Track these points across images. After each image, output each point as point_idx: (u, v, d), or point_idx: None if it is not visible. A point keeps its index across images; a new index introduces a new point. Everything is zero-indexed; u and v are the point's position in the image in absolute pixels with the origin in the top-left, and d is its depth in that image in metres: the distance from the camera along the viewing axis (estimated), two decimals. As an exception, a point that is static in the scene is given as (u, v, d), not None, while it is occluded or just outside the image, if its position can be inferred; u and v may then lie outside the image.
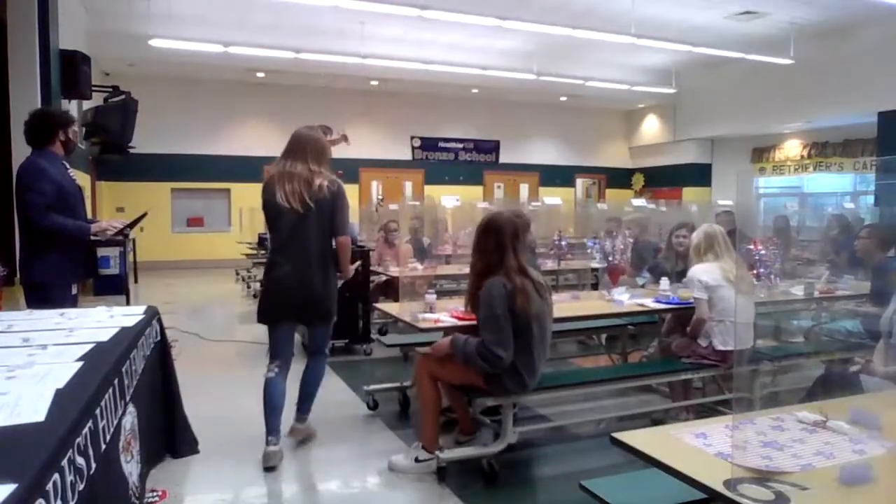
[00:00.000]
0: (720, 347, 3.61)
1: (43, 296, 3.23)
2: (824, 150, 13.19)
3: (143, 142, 8.62)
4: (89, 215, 4.26)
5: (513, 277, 2.97)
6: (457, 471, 3.16)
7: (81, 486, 1.29)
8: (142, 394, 2.22)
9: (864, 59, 10.46)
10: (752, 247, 4.26)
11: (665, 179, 15.88)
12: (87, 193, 9.62)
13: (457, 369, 3.12)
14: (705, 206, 8.49)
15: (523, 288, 2.97)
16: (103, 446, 1.54)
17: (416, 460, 3.19)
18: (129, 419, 1.94)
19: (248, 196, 11.87)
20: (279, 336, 3.31)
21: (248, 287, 8.84)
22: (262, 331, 3.47)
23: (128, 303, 5.57)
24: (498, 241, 3.03)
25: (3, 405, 1.42)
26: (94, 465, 1.40)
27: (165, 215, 12.83)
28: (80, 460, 1.32)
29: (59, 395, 1.50)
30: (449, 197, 8.46)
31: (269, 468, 3.15)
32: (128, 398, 1.96)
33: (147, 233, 10.98)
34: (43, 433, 1.28)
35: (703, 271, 3.68)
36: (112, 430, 1.68)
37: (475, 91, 13.84)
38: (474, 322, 3.35)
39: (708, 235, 3.78)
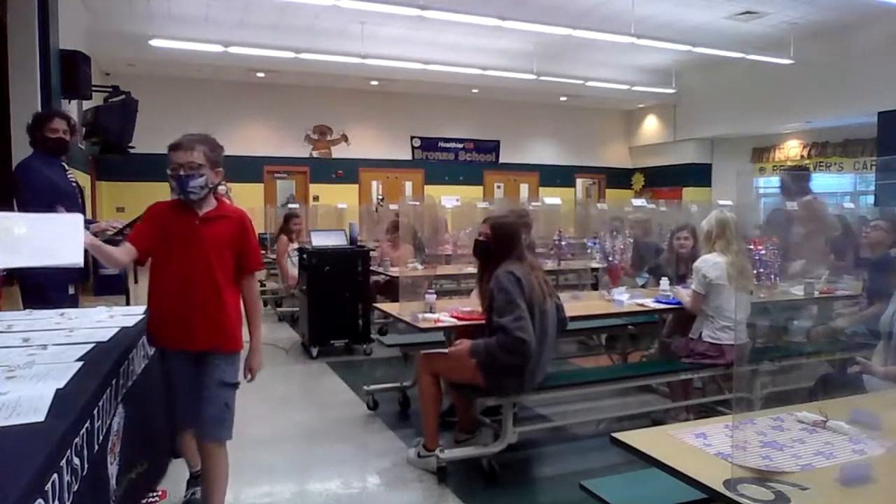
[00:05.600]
0: (712, 340, 3.63)
1: (41, 296, 3.22)
2: (824, 150, 13.19)
3: (143, 142, 8.60)
4: (89, 215, 4.26)
5: (523, 267, 3.08)
6: (457, 471, 3.17)
7: (76, 487, 1.29)
8: (137, 395, 2.21)
9: (864, 59, 10.46)
10: (751, 247, 4.25)
11: (665, 179, 15.87)
12: (87, 193, 9.62)
13: (458, 367, 3.14)
14: (705, 206, 8.46)
15: (528, 280, 3.04)
16: (96, 447, 1.53)
17: (419, 455, 3.27)
18: (118, 420, 1.93)
19: (248, 196, 11.87)
20: None
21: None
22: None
23: (128, 303, 5.56)
24: (509, 245, 3.16)
25: (3, 405, 1.41)
26: (86, 466, 1.40)
27: (165, 215, 12.80)
28: (76, 461, 1.32)
29: (59, 395, 1.49)
30: (449, 197, 8.45)
31: None
32: (119, 399, 1.96)
33: (147, 233, 10.95)
34: (43, 433, 1.28)
35: (711, 266, 3.66)
36: (104, 430, 1.67)
37: (475, 91, 13.83)
38: (475, 322, 3.36)
39: (720, 222, 3.73)
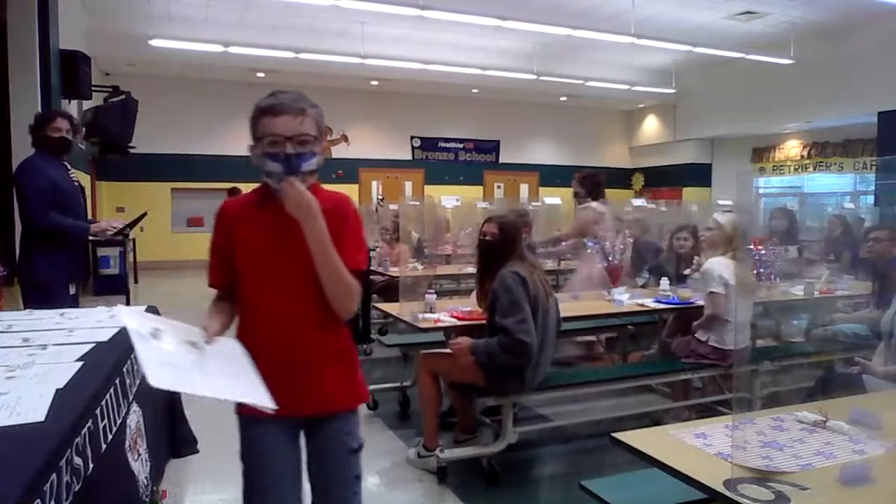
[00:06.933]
0: (716, 345, 3.60)
1: (41, 295, 3.22)
2: (824, 150, 13.19)
3: (143, 142, 8.61)
4: (89, 215, 4.27)
5: (525, 267, 3.09)
6: (457, 471, 3.16)
7: (77, 487, 1.29)
8: (145, 393, 2.21)
9: (864, 59, 10.46)
10: (752, 247, 4.25)
11: (665, 179, 15.87)
12: (87, 193, 9.62)
13: (458, 366, 3.14)
14: (705, 206, 8.46)
15: (533, 281, 3.06)
16: (104, 446, 1.53)
17: (419, 455, 3.27)
18: (135, 418, 1.93)
19: (248, 196, 11.87)
20: None
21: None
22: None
23: (128, 303, 5.56)
24: (513, 244, 3.18)
25: (3, 405, 1.42)
26: (91, 466, 1.40)
27: (165, 215, 12.82)
28: (77, 460, 1.32)
29: (59, 395, 1.49)
30: (449, 197, 8.45)
31: None
32: (131, 397, 1.96)
33: (147, 233, 10.98)
34: (43, 433, 1.28)
35: (724, 267, 3.56)
36: (115, 429, 1.67)
37: (475, 91, 13.83)
38: (475, 321, 3.36)
39: (736, 228, 3.62)
